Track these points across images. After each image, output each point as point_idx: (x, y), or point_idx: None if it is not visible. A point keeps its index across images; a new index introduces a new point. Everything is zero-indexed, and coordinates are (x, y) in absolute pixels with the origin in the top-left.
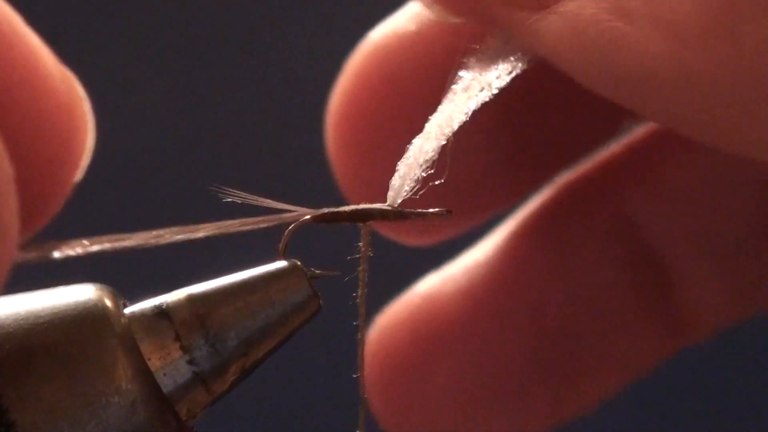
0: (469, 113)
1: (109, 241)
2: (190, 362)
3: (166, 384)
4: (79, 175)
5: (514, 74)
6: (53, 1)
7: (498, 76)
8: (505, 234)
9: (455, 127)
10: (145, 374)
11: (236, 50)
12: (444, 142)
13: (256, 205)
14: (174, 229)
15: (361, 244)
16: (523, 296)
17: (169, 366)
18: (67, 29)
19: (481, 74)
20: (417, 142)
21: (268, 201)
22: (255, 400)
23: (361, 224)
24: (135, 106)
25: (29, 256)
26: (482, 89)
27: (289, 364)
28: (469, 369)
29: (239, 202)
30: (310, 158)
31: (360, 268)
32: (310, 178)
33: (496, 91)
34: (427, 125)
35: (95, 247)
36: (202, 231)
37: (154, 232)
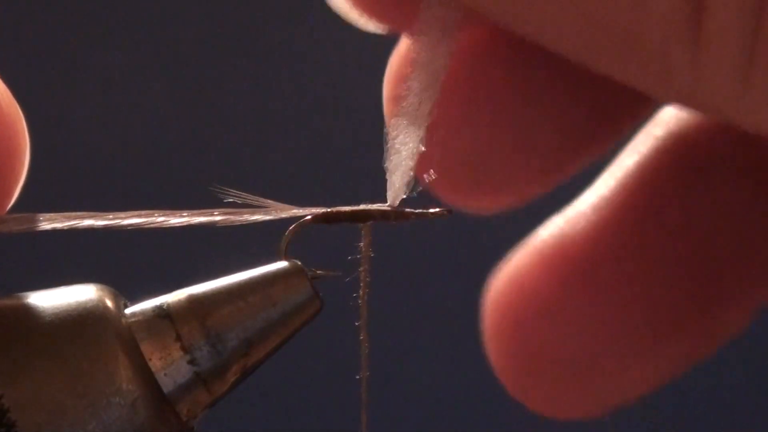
0: (437, 92)
1: (98, 218)
2: (191, 362)
3: (167, 384)
4: (13, 198)
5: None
6: (54, 1)
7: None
8: (631, 164)
9: (429, 110)
10: (145, 374)
11: (237, 50)
12: (423, 130)
13: (257, 206)
14: (167, 212)
15: (362, 244)
16: (661, 223)
17: (170, 366)
18: (68, 29)
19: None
20: (397, 135)
21: (268, 201)
22: (255, 400)
23: (361, 225)
24: (135, 106)
25: (4, 228)
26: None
27: (290, 365)
28: (609, 306)
29: (239, 202)
30: (310, 158)
31: (361, 268)
32: (310, 178)
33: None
34: (402, 113)
35: (86, 222)
36: (197, 217)
37: (146, 213)
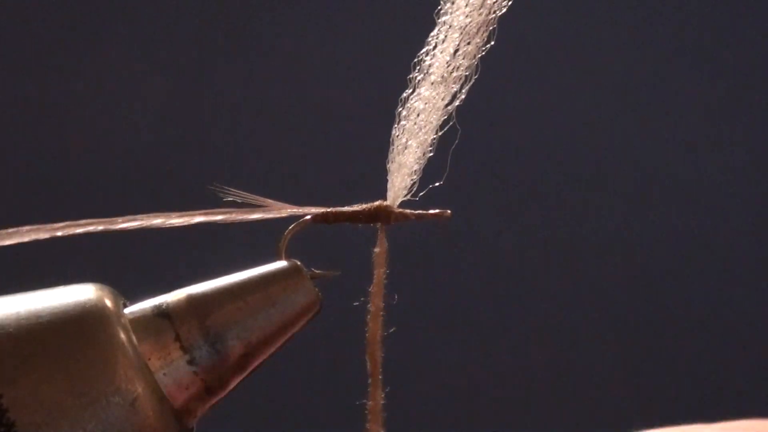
0: (447, 102)
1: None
2: (190, 362)
3: (167, 384)
4: None
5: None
6: (56, 2)
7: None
8: None
9: (439, 116)
10: (145, 374)
11: (237, 49)
12: (430, 134)
13: (256, 205)
14: (165, 213)
15: (376, 249)
16: None
17: (169, 366)
18: (69, 29)
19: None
20: (403, 138)
21: (269, 201)
22: (255, 400)
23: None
24: (135, 106)
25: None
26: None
27: (290, 365)
28: None
29: (240, 201)
30: (310, 158)
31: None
32: (310, 178)
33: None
34: (410, 121)
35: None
36: (197, 216)
37: (143, 216)
